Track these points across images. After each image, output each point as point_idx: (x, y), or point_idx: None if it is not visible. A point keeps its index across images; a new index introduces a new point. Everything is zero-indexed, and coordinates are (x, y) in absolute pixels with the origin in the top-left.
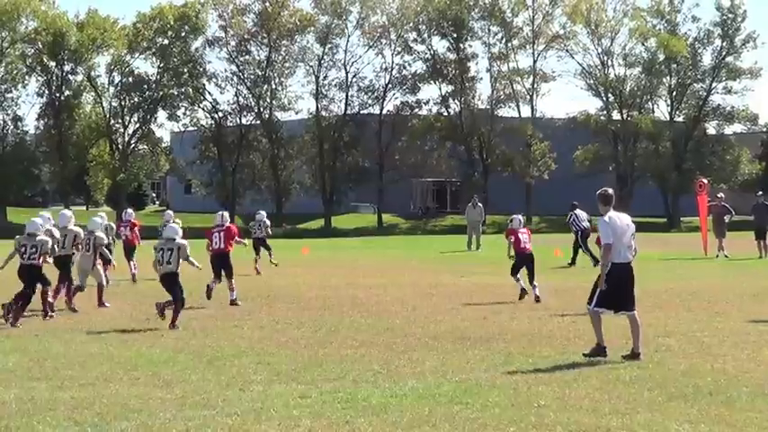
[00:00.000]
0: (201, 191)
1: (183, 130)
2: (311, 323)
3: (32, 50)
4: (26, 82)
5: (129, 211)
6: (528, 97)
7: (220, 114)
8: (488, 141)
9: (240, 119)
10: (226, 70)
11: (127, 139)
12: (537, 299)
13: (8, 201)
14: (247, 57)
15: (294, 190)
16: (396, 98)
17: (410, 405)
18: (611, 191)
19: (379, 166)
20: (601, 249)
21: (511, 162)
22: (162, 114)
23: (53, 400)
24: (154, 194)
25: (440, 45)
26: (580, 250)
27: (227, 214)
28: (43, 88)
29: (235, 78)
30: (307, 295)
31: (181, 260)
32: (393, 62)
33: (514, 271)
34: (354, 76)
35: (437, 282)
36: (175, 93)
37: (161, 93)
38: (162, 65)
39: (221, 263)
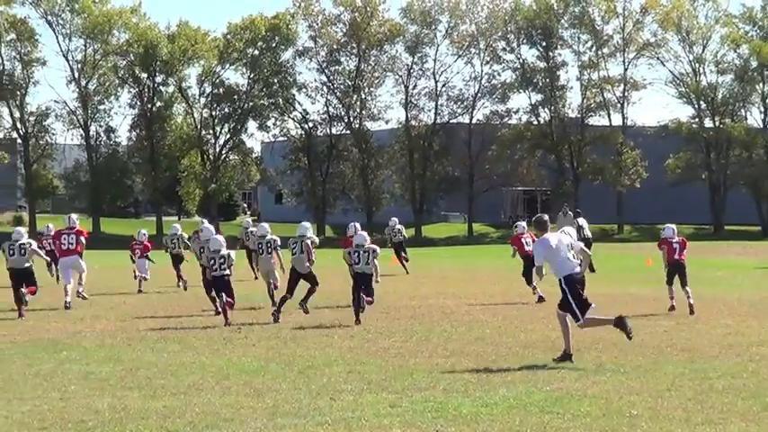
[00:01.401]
0: (292, 201)
1: (273, 140)
2: (401, 333)
3: (124, 62)
4: (118, 94)
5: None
6: (618, 105)
7: (310, 124)
8: (579, 150)
9: (330, 128)
10: (316, 80)
11: (218, 149)
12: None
13: (101, 211)
14: (337, 67)
15: (384, 199)
16: (485, 107)
17: (501, 414)
18: (545, 217)
19: (469, 175)
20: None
21: (602, 171)
22: (252, 125)
23: (145, 409)
24: (245, 205)
25: (529, 54)
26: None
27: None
28: (135, 100)
29: (324, 88)
30: (397, 305)
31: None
32: (482, 71)
33: (528, 277)
34: (444, 86)
35: (527, 291)
36: (265, 103)
37: (251, 103)
38: (252, 75)
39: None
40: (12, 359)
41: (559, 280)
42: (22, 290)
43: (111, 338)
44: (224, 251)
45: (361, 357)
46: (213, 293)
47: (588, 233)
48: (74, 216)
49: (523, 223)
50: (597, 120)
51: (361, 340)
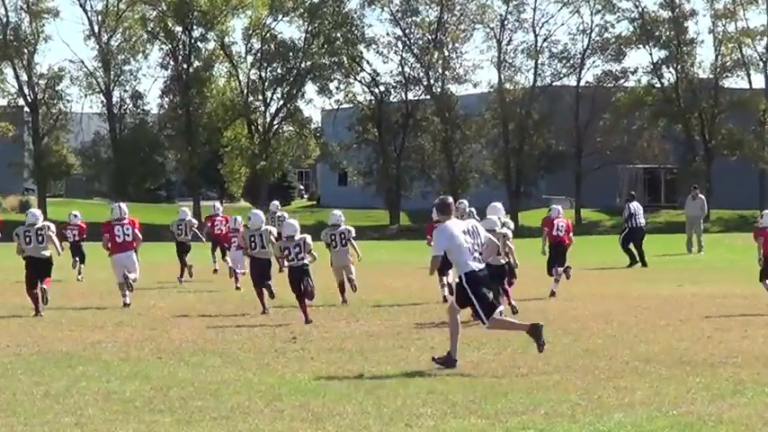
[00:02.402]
0: (359, 181)
1: (336, 107)
2: (493, 343)
3: (154, 13)
4: (147, 51)
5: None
6: (761, 64)
7: (382, 88)
8: (712, 119)
9: (406, 93)
10: (388, 34)
11: (268, 118)
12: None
13: (127, 195)
14: (414, 18)
15: (472, 179)
16: (596, 66)
17: None
18: (449, 200)
19: (576, 150)
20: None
21: (740, 144)
22: (311, 89)
23: None
24: (302, 186)
25: (650, 1)
26: (631, 245)
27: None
28: (168, 59)
29: (399, 44)
30: None
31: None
32: (592, 22)
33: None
34: (545, 40)
35: (649, 292)
36: (327, 62)
37: (309, 62)
38: (311, 28)
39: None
40: (16, 375)
41: (459, 276)
42: (43, 286)
43: (138, 350)
44: (298, 236)
45: (444, 374)
46: (261, 289)
47: (641, 220)
48: (123, 205)
49: (558, 206)
50: (734, 81)
51: (443, 352)
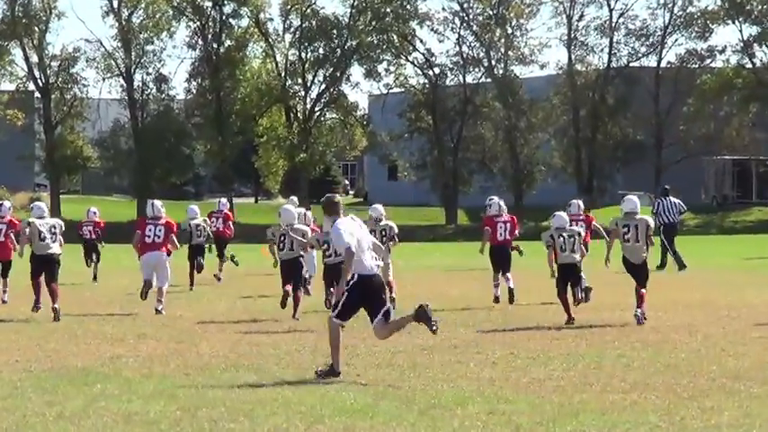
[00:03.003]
0: (411, 175)
1: (385, 92)
2: (562, 358)
3: None
4: (173, 29)
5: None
6: None
7: (437, 70)
8: None
9: (464, 76)
10: (444, 9)
11: (309, 105)
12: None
13: (150, 191)
14: None
15: (539, 173)
16: (679, 45)
17: None
18: (337, 198)
19: (656, 140)
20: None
21: None
22: (356, 71)
23: None
24: (347, 181)
25: None
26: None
27: None
28: (196, 37)
29: (456, 20)
30: (556, 319)
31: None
32: None
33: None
34: (621, 16)
35: (739, 300)
36: (375, 41)
37: (355, 41)
38: (356, 3)
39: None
40: (27, 394)
41: (351, 275)
42: (55, 305)
43: (163, 366)
44: None
45: (507, 392)
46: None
47: (672, 217)
48: (157, 203)
49: (579, 201)
50: None
51: (506, 368)
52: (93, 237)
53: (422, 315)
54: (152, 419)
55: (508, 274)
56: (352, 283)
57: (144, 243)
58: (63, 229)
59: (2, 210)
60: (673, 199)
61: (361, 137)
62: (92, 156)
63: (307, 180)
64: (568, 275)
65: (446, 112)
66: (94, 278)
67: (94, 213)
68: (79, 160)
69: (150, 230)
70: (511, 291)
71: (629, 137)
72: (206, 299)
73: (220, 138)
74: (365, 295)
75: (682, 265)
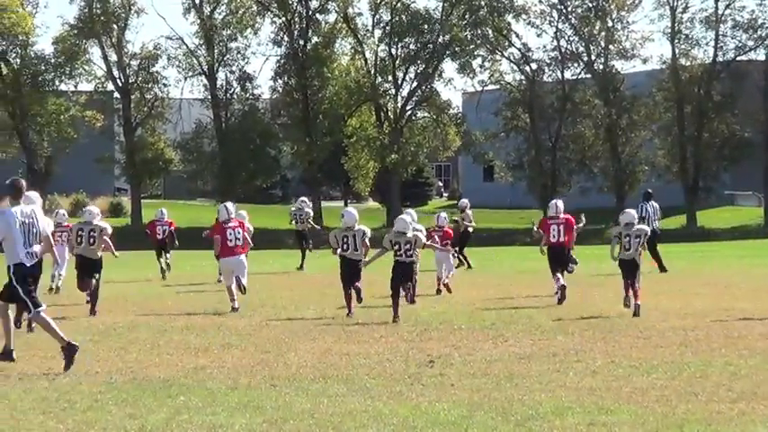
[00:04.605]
0: (507, 176)
1: (480, 89)
2: (666, 366)
3: None
4: (257, 26)
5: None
6: None
7: (534, 66)
8: None
9: (562, 72)
10: (542, 2)
11: (400, 103)
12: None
13: (235, 194)
14: None
15: (642, 173)
16: None
17: None
18: (23, 182)
19: (764, 137)
20: None
21: None
22: (449, 67)
23: None
24: (440, 183)
25: None
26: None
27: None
28: (281, 34)
29: (554, 14)
30: (659, 326)
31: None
32: None
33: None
34: (728, 7)
35: None
36: (469, 36)
37: (448, 36)
38: None
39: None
40: (107, 407)
41: (8, 266)
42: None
43: (248, 377)
44: (410, 234)
45: (608, 402)
46: (350, 291)
47: (656, 224)
48: (230, 204)
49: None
50: None
51: (607, 377)
52: (165, 236)
53: (67, 351)
54: None
55: (558, 275)
56: (12, 272)
57: (226, 247)
58: (106, 232)
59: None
60: (655, 204)
61: (454, 136)
62: (174, 158)
63: (398, 182)
64: (629, 270)
65: (544, 110)
66: (163, 274)
67: (162, 213)
68: (160, 163)
69: (231, 234)
70: (563, 289)
71: (737, 134)
72: (293, 307)
73: (308, 138)
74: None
75: (662, 268)
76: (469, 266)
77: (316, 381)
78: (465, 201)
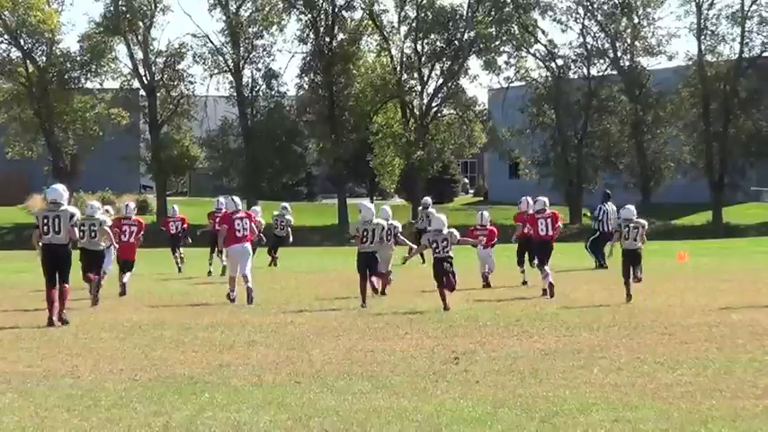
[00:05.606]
0: (533, 173)
1: (505, 85)
2: (691, 363)
3: None
4: (283, 23)
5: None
6: None
7: (559, 62)
8: None
9: (588, 68)
10: None
11: (426, 100)
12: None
13: (261, 192)
14: None
15: (667, 170)
16: None
17: None
18: None
19: None
20: None
21: None
22: (475, 64)
23: None
24: (466, 180)
25: None
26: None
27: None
28: (307, 31)
29: (580, 10)
30: (685, 322)
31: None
32: None
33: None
34: (754, 3)
35: None
36: (494, 32)
37: (474, 33)
38: None
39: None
40: (132, 404)
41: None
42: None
43: (273, 374)
44: (446, 231)
45: (633, 399)
46: (366, 283)
47: (613, 225)
48: (236, 198)
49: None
50: None
51: (631, 373)
52: (178, 231)
53: None
54: (262, 429)
55: (546, 268)
56: None
57: (233, 236)
58: (106, 225)
59: (128, 210)
60: (613, 206)
61: (480, 133)
62: (199, 155)
63: (424, 179)
64: (632, 259)
65: (569, 107)
66: (179, 265)
67: (174, 209)
68: (186, 160)
69: (239, 224)
70: (551, 286)
71: (763, 131)
72: (318, 304)
73: (333, 136)
74: None
75: (602, 266)
76: (423, 262)
77: (340, 378)
78: (427, 199)
